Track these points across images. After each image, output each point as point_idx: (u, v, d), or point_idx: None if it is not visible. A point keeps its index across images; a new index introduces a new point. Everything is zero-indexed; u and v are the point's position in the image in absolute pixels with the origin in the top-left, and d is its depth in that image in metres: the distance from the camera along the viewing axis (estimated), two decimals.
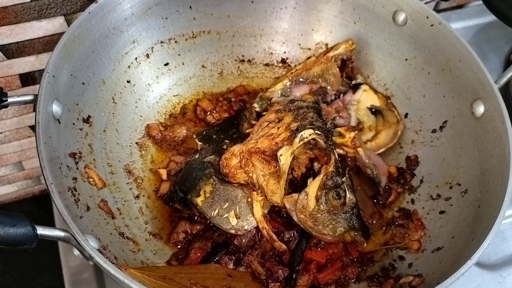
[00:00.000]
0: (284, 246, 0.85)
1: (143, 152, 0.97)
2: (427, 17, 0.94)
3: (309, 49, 1.08)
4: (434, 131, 0.96)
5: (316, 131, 0.85)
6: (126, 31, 0.94)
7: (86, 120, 0.89)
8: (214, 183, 0.87)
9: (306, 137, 0.84)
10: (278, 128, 0.88)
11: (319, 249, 0.87)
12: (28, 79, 1.08)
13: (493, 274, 0.99)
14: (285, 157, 0.83)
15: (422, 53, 0.97)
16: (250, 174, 0.85)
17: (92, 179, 0.85)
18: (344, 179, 0.84)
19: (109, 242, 0.80)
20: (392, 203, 0.94)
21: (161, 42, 1.00)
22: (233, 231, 0.85)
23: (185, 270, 0.82)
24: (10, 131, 1.20)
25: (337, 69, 1.01)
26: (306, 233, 0.87)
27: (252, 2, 1.03)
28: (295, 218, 0.84)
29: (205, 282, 0.80)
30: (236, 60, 1.08)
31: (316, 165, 0.87)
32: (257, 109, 0.99)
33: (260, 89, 1.06)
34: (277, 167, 0.83)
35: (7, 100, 0.77)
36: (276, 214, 0.89)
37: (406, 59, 1.00)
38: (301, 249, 0.87)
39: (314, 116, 0.90)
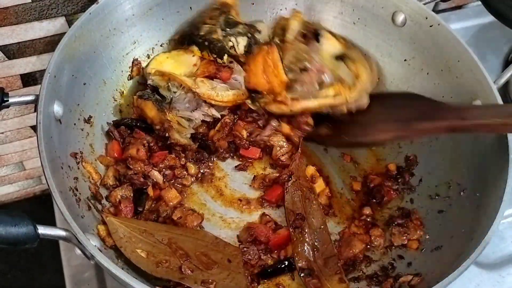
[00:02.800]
0: None
1: None
2: (426, 18, 0.95)
3: None
4: None
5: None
6: (127, 31, 0.95)
7: (87, 120, 0.89)
8: None
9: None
10: None
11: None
12: (29, 79, 1.09)
13: (492, 273, 0.99)
14: None
15: (421, 53, 0.98)
16: None
17: (92, 178, 0.86)
18: None
19: None
20: (388, 202, 0.94)
21: (162, 43, 1.00)
22: None
23: (172, 230, 0.84)
24: (11, 131, 1.21)
25: (304, 44, 0.98)
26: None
27: (253, 4, 1.03)
28: None
29: (184, 243, 0.82)
30: None
31: None
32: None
33: None
34: None
35: (8, 101, 0.78)
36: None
37: (405, 60, 1.00)
38: None
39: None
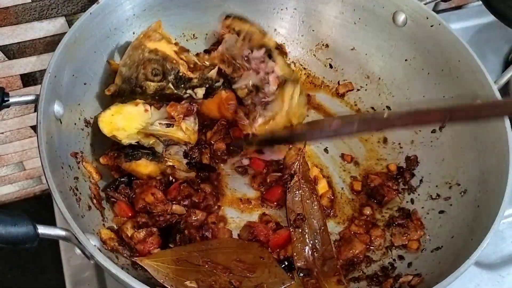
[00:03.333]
0: None
1: None
2: (427, 18, 0.95)
3: (310, 50, 1.08)
4: (433, 131, 0.97)
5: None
6: (127, 31, 0.94)
7: (88, 120, 0.89)
8: None
9: None
10: None
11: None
12: (29, 79, 1.09)
13: (492, 273, 0.99)
14: None
15: (422, 53, 0.98)
16: None
17: (92, 178, 0.86)
18: None
19: None
20: (389, 202, 0.94)
21: None
22: None
23: (197, 248, 0.82)
24: (12, 131, 1.21)
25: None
26: None
27: (254, 3, 1.03)
28: None
29: (217, 258, 0.81)
30: None
31: None
32: None
33: None
34: None
35: (8, 100, 0.78)
36: None
37: (406, 60, 1.00)
38: None
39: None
